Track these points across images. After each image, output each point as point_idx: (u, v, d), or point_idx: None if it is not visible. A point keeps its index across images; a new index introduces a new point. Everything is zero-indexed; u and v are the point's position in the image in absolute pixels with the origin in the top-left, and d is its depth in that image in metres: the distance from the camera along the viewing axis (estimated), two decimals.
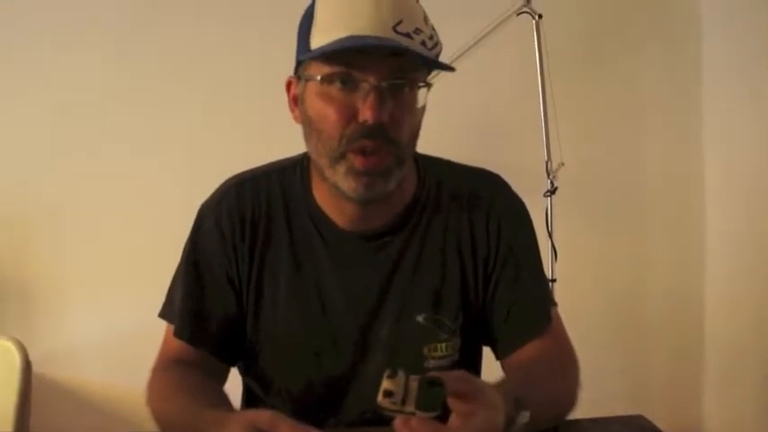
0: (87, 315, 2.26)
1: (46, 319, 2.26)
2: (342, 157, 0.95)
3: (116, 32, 2.23)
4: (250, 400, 1.15)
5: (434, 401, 0.70)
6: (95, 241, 2.25)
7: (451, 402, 0.74)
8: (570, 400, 1.02)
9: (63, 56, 2.22)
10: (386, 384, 0.70)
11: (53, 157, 2.24)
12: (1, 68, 2.23)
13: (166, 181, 2.23)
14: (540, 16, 1.95)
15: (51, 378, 2.18)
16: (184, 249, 1.11)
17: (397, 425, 0.71)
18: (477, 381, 0.75)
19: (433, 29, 0.98)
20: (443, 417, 0.74)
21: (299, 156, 1.12)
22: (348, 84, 0.93)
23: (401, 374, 0.70)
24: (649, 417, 1.04)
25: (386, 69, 0.92)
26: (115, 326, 2.21)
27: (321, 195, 1.06)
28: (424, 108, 1.00)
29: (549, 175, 1.99)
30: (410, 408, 0.70)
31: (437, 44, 0.98)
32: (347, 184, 0.96)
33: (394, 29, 0.91)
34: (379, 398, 0.71)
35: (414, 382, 0.70)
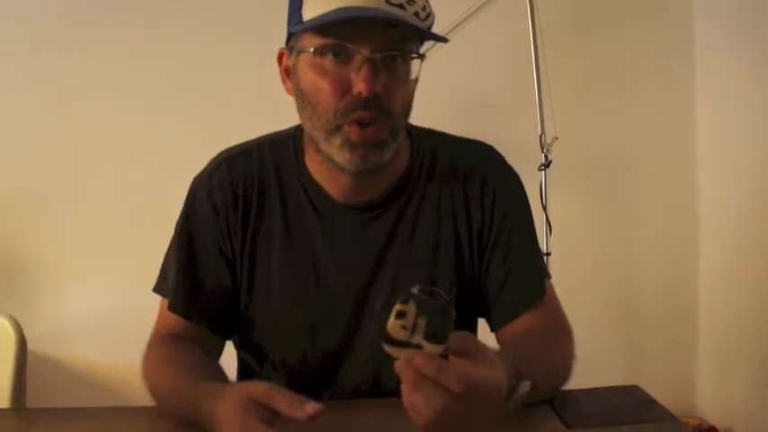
0: (80, 293, 2.27)
1: (40, 298, 2.27)
2: (337, 129, 0.95)
3: (102, 20, 2.23)
4: (245, 373, 1.16)
5: (444, 330, 0.70)
6: (87, 220, 2.25)
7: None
8: (566, 372, 1.02)
9: (51, 44, 2.22)
10: (399, 306, 0.70)
11: (43, 141, 2.25)
12: None
13: (156, 160, 2.23)
14: None
15: (46, 355, 2.19)
16: (177, 223, 1.10)
17: (399, 366, 0.70)
18: (480, 342, 0.75)
19: (426, 0, 0.97)
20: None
21: (291, 128, 1.11)
22: (341, 56, 0.93)
23: (412, 303, 0.70)
24: (645, 389, 1.04)
25: (379, 41, 0.92)
26: (108, 303, 2.22)
27: (315, 167, 1.06)
28: (416, 80, 0.99)
29: (543, 148, 1.99)
30: (417, 338, 0.69)
31: (429, 15, 0.98)
32: (342, 156, 0.96)
33: (387, 0, 0.91)
34: (390, 322, 0.70)
35: (421, 319, 0.69)
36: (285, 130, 1.12)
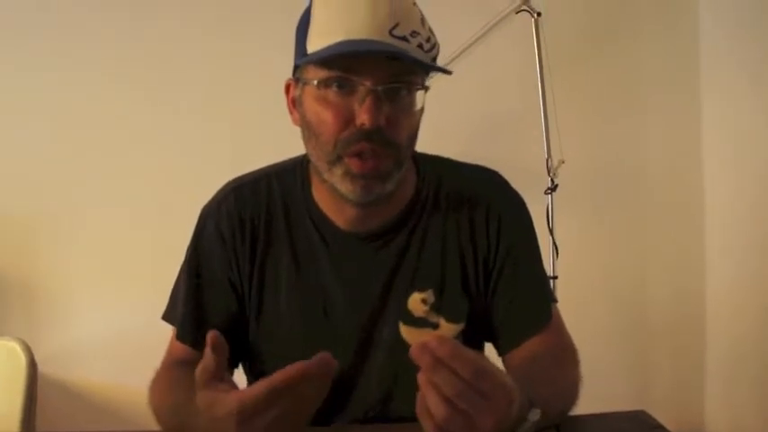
0: (91, 315, 2.27)
1: (50, 320, 2.27)
2: (338, 160, 0.95)
3: (116, 31, 2.25)
4: None
5: (461, 311, 0.71)
6: (99, 241, 2.26)
7: None
8: (572, 397, 1.02)
9: (64, 57, 2.23)
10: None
11: (57, 158, 2.25)
12: (3, 68, 2.24)
13: (170, 180, 2.24)
14: (539, 14, 1.96)
15: (56, 378, 2.19)
16: (186, 253, 1.12)
17: (415, 350, 0.70)
18: (491, 363, 0.75)
19: (431, 31, 0.98)
20: None
21: (298, 157, 1.12)
22: (345, 87, 0.94)
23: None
24: (652, 413, 1.04)
25: (382, 73, 0.92)
26: (119, 325, 2.22)
27: (321, 196, 1.07)
28: (422, 110, 1.00)
29: (549, 172, 2.00)
30: (435, 317, 0.71)
31: (434, 46, 0.98)
32: (345, 187, 0.97)
33: (390, 32, 0.91)
34: (411, 298, 0.71)
35: (439, 300, 0.71)
36: (291, 160, 1.13)
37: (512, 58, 2.18)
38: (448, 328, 0.71)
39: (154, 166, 2.25)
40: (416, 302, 0.72)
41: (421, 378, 0.71)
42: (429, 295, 0.71)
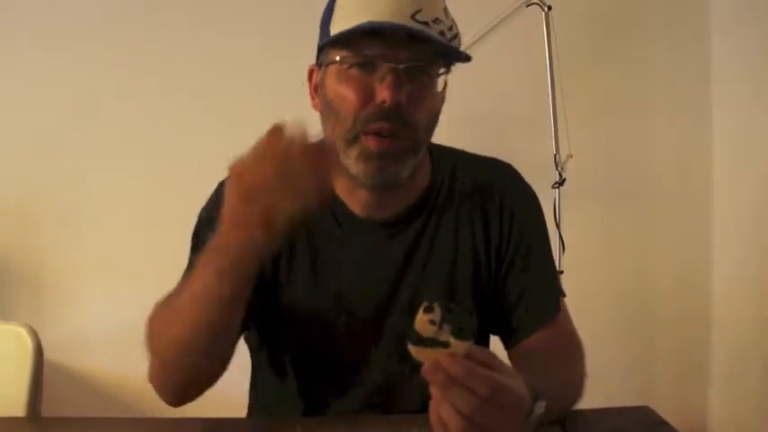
0: (98, 302, 2.28)
1: (57, 307, 2.29)
2: (355, 139, 0.96)
3: (124, 27, 2.26)
4: (260, 379, 1.17)
5: (470, 328, 0.71)
6: (106, 229, 2.27)
7: None
8: (578, 391, 1.02)
9: (70, 51, 2.25)
10: (426, 304, 0.71)
11: (64, 148, 2.26)
12: (9, 62, 2.25)
13: (179, 169, 2.24)
14: (550, 8, 1.95)
15: (62, 364, 2.20)
16: (193, 242, 1.11)
17: (427, 370, 0.70)
18: (505, 370, 0.75)
19: (454, 21, 0.99)
20: None
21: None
22: (366, 66, 0.94)
23: (437, 305, 0.71)
24: (656, 408, 1.04)
25: (403, 54, 0.93)
26: (125, 313, 2.21)
27: (336, 182, 1.05)
28: (443, 97, 1.01)
29: (557, 166, 1.99)
30: (445, 335, 0.70)
31: (456, 36, 0.99)
32: (359, 168, 0.97)
33: (413, 17, 0.92)
34: (418, 317, 0.71)
35: (448, 316, 0.71)
36: None
37: (521, 52, 2.17)
38: (459, 346, 0.70)
39: (163, 156, 2.25)
40: (424, 323, 0.71)
41: (435, 394, 0.71)
42: (437, 315, 0.71)
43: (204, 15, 2.27)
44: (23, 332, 1.23)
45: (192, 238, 1.11)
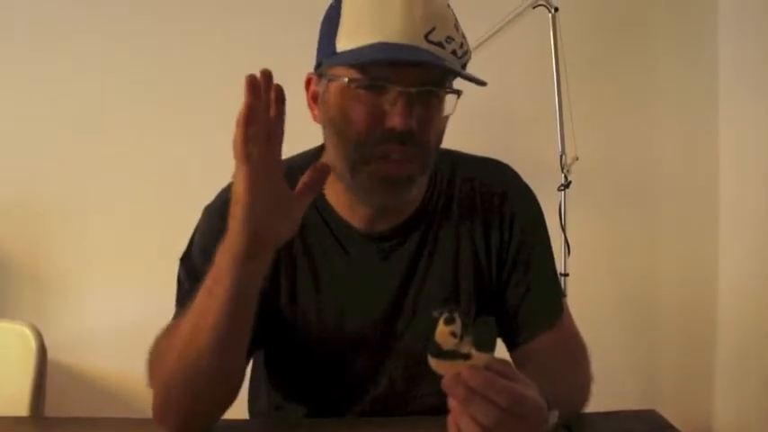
0: (101, 302, 2.28)
1: (60, 306, 2.29)
2: (364, 162, 0.93)
3: (129, 27, 2.26)
4: (265, 396, 1.16)
5: (491, 339, 0.70)
6: (110, 228, 2.27)
7: None
8: (585, 394, 1.02)
9: (72, 52, 2.25)
10: (446, 314, 0.70)
11: (68, 148, 2.27)
12: (11, 62, 2.26)
13: (183, 168, 2.24)
14: (557, 9, 1.94)
15: (65, 363, 2.20)
16: (187, 250, 1.07)
17: (448, 383, 0.69)
18: (524, 380, 0.75)
19: (464, 36, 0.96)
20: None
21: (310, 152, 1.09)
22: (375, 87, 0.91)
23: (457, 316, 0.71)
24: (661, 411, 1.03)
25: (415, 77, 0.90)
26: (128, 313, 2.23)
27: (335, 196, 1.04)
28: (447, 115, 0.98)
29: (563, 169, 1.98)
30: (466, 347, 0.70)
31: (467, 52, 0.96)
32: (367, 193, 0.95)
33: (426, 37, 0.89)
34: (438, 329, 0.70)
35: (469, 328, 0.70)
36: (304, 154, 1.10)
37: (528, 54, 2.16)
38: (480, 358, 0.70)
39: (166, 155, 2.25)
40: (445, 335, 0.70)
41: (454, 406, 0.71)
42: (457, 327, 0.70)
43: (205, 16, 2.27)
44: (27, 331, 1.23)
45: (184, 264, 1.06)
